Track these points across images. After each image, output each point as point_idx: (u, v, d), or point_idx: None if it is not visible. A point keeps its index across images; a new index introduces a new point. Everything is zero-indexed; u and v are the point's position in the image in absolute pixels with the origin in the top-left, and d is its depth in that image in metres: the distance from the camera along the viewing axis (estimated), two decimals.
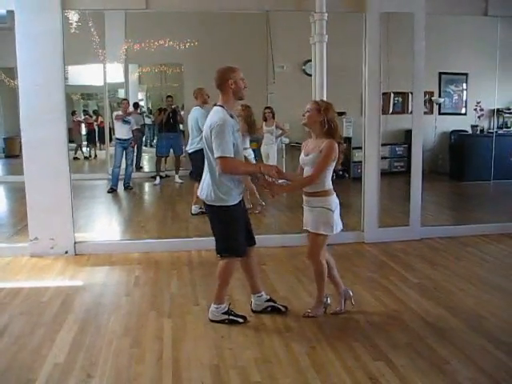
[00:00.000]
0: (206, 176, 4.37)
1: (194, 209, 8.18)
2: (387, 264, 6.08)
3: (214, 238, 4.49)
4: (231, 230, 4.39)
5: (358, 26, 6.79)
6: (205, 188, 4.35)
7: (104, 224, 8.53)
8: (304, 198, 4.55)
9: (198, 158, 7.20)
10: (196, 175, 6.87)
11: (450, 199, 10.58)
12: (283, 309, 4.68)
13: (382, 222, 6.98)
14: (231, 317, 4.45)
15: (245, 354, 3.92)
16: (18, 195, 8.69)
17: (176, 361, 3.82)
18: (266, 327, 4.38)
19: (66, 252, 6.45)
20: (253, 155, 8.22)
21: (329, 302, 4.70)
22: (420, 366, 3.70)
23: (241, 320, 4.46)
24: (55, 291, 5.25)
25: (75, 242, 6.50)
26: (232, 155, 4.14)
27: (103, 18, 11.89)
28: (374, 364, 3.73)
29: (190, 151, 8.09)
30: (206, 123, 4.30)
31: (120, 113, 10.86)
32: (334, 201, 4.50)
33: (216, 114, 4.25)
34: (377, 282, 5.47)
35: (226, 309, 4.48)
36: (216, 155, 4.12)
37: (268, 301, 4.71)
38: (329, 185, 4.49)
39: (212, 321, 4.45)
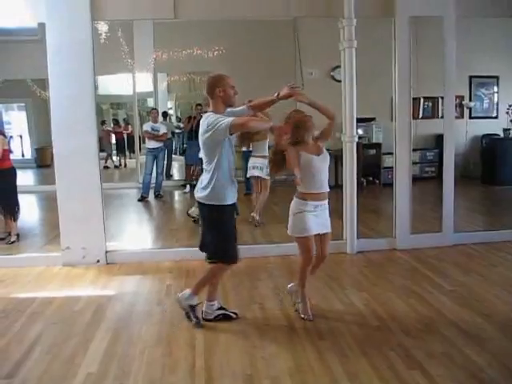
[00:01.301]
0: (202, 177, 4.46)
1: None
2: (420, 271, 5.99)
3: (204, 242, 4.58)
4: (225, 232, 4.47)
5: (387, 31, 6.74)
6: (201, 188, 4.45)
7: (135, 233, 8.56)
8: (313, 202, 4.55)
9: None
10: None
11: (482, 204, 10.42)
12: (234, 315, 4.72)
13: (414, 229, 6.90)
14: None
15: (278, 363, 3.89)
16: (49, 205, 8.77)
17: (208, 370, 3.80)
18: (299, 335, 4.34)
19: (98, 261, 6.49)
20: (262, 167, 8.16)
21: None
22: (456, 376, 3.63)
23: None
24: (87, 300, 5.28)
25: (106, 251, 6.54)
26: None
27: (132, 28, 11.98)
28: (409, 373, 3.66)
29: None
30: (202, 128, 4.32)
31: (148, 129, 10.94)
32: None
33: (209, 117, 4.31)
34: (410, 289, 5.39)
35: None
36: (226, 126, 4.15)
37: (219, 309, 4.74)
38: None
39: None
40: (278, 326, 4.52)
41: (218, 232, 4.47)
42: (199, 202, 4.53)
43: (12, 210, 7.38)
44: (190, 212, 8.29)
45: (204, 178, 4.41)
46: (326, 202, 4.65)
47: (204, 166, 4.45)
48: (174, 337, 4.39)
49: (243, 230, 7.83)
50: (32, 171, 14.58)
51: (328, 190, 4.62)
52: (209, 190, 4.36)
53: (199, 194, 4.46)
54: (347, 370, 3.74)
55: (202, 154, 4.47)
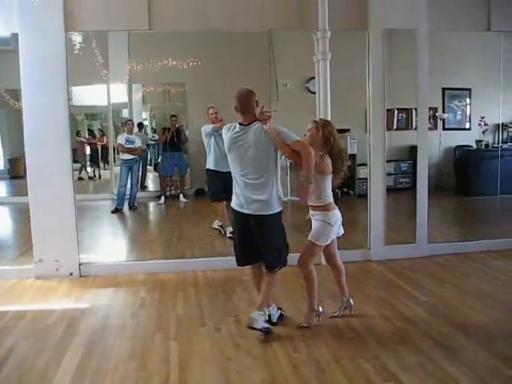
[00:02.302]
0: (254, 190, 4.40)
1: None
2: (395, 282, 6.02)
3: (264, 251, 4.55)
4: (285, 238, 4.65)
5: (361, 43, 6.80)
6: (263, 201, 4.40)
7: (109, 245, 8.48)
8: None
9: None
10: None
11: (456, 215, 10.51)
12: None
13: (388, 240, 6.93)
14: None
15: (252, 376, 3.88)
16: (22, 216, 8.65)
17: None
18: (273, 349, 4.32)
19: (71, 274, 6.42)
20: None
21: (321, 310, 4.82)
22: None
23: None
24: (60, 314, 5.22)
25: (80, 264, 6.47)
26: None
27: (106, 39, 11.92)
28: None
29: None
30: (263, 137, 4.34)
31: (122, 141, 10.88)
32: (333, 216, 4.71)
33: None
34: (385, 300, 5.41)
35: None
36: (293, 140, 4.32)
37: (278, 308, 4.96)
38: (328, 199, 4.69)
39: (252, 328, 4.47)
40: (253, 338, 4.48)
41: (283, 238, 4.63)
42: (260, 216, 4.45)
43: None
44: (213, 225, 8.26)
45: (261, 190, 4.39)
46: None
47: (253, 178, 4.40)
48: (147, 351, 4.34)
49: (218, 241, 7.84)
50: (4, 182, 14.38)
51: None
52: (274, 198, 4.43)
53: (264, 206, 4.41)
54: (322, 383, 3.73)
55: (249, 168, 4.41)
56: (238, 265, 4.79)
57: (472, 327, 4.69)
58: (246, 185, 4.41)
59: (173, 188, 11.79)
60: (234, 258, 4.79)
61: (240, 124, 4.44)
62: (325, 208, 4.66)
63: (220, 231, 8.29)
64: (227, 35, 9.34)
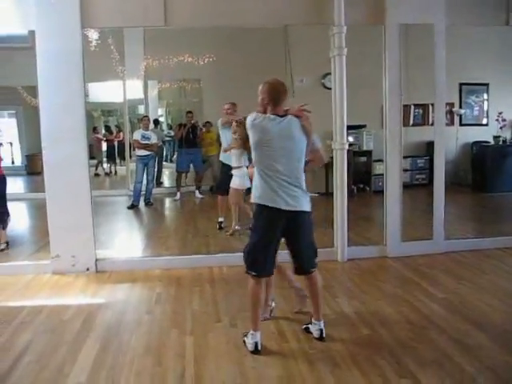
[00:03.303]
0: (297, 186, 4.19)
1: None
2: (411, 279, 5.98)
3: (302, 252, 4.38)
4: None
5: (377, 38, 6.76)
6: (303, 196, 4.22)
7: (125, 241, 8.53)
8: None
9: None
10: None
11: (473, 211, 10.45)
12: None
13: (404, 236, 6.89)
14: None
15: (268, 372, 3.87)
16: (39, 212, 8.74)
17: (198, 380, 3.78)
18: (290, 345, 4.31)
19: (88, 269, 6.45)
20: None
21: (273, 305, 4.85)
22: None
23: None
24: (77, 309, 5.25)
25: (96, 259, 6.50)
26: None
27: (122, 35, 11.99)
28: (400, 382, 3.65)
29: None
30: (298, 132, 4.18)
31: (138, 137, 10.90)
32: None
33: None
34: (401, 297, 5.38)
35: None
36: (318, 146, 4.36)
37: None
38: None
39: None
40: (269, 334, 4.48)
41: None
42: (302, 212, 4.24)
43: (1, 218, 7.34)
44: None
45: (299, 184, 4.19)
46: None
47: (292, 172, 4.16)
48: (163, 346, 4.35)
49: (234, 238, 7.84)
50: (22, 178, 14.53)
51: None
52: (306, 196, 4.26)
53: (301, 204, 4.20)
54: (338, 379, 3.72)
55: (289, 162, 4.18)
56: (261, 275, 4.25)
57: (489, 324, 4.64)
58: (285, 180, 4.13)
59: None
60: (249, 266, 4.27)
61: (276, 115, 4.17)
62: None
63: (220, 226, 8.33)
64: (243, 31, 9.37)
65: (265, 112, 4.20)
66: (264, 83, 4.28)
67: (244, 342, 4.32)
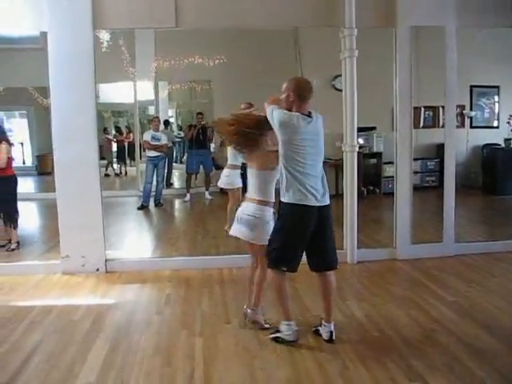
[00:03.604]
0: (321, 183, 4.27)
1: None
2: (421, 281, 5.97)
3: (327, 248, 4.43)
4: None
5: (388, 41, 6.75)
6: (327, 192, 4.29)
7: (135, 241, 8.55)
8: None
9: None
10: None
11: (483, 214, 10.40)
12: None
13: (414, 239, 6.88)
14: None
15: (277, 373, 3.87)
16: (49, 212, 8.76)
17: (207, 381, 3.78)
18: (299, 346, 4.31)
19: (97, 269, 6.47)
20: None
21: (249, 311, 4.78)
22: None
23: None
24: (87, 309, 5.27)
25: (106, 260, 6.52)
26: None
27: (133, 37, 12.03)
28: None
29: None
30: (322, 130, 4.29)
31: (148, 138, 10.92)
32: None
33: None
34: (411, 300, 5.37)
35: None
36: None
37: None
38: None
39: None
40: None
41: None
42: (328, 205, 4.32)
43: (12, 218, 7.38)
44: None
45: (324, 180, 4.29)
46: None
47: (319, 168, 4.26)
48: (173, 346, 4.36)
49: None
50: (33, 178, 14.58)
51: None
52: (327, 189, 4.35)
53: (328, 196, 4.30)
54: (347, 382, 3.72)
55: (316, 159, 4.26)
56: (290, 271, 4.33)
57: (499, 328, 4.62)
58: (314, 176, 4.20)
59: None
60: (277, 262, 4.31)
61: (304, 114, 4.19)
62: None
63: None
64: (253, 33, 9.36)
65: (289, 109, 4.21)
66: (290, 80, 4.32)
67: (276, 339, 4.36)
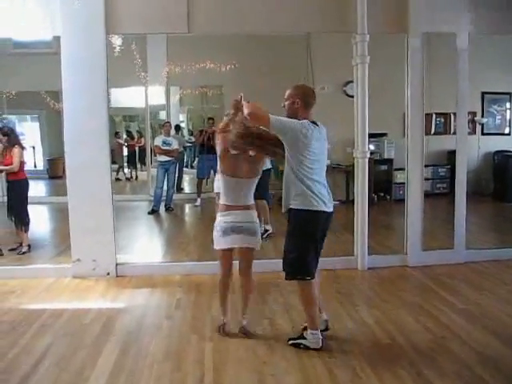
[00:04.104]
0: (325, 186, 4.31)
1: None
2: (432, 288, 5.94)
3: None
4: None
5: (400, 47, 6.74)
6: (330, 198, 4.34)
7: (145, 246, 8.56)
8: None
9: None
10: None
11: (494, 221, 10.34)
12: None
13: (425, 245, 6.85)
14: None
15: (287, 380, 3.87)
16: (60, 216, 8.80)
17: None
18: (309, 352, 4.29)
19: (108, 273, 6.49)
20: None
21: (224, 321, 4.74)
22: None
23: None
24: (97, 313, 5.28)
25: (117, 264, 6.54)
26: None
27: (145, 42, 12.08)
28: None
29: None
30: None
31: (159, 143, 10.95)
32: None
33: None
34: (421, 307, 5.34)
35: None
36: None
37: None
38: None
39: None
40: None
41: None
42: (332, 212, 4.39)
43: (23, 221, 7.42)
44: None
45: (328, 189, 4.36)
46: None
47: (324, 174, 4.36)
48: (183, 351, 4.36)
49: None
50: (44, 182, 14.64)
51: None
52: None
53: (331, 204, 4.35)
54: None
55: (322, 166, 4.36)
56: (313, 277, 4.35)
57: (510, 336, 4.59)
58: (323, 184, 4.28)
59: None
60: (302, 272, 4.33)
61: (311, 122, 4.24)
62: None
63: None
64: (265, 38, 9.39)
65: (292, 117, 4.22)
66: (296, 87, 4.37)
67: (298, 345, 4.36)
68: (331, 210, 4.31)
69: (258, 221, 4.58)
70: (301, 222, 4.26)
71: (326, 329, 4.59)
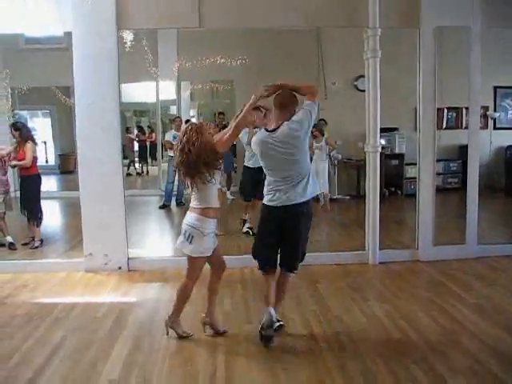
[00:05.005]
0: (303, 180, 4.36)
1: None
2: (443, 283, 5.93)
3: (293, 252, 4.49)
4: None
5: (411, 41, 6.71)
6: (304, 190, 4.35)
7: (157, 240, 8.60)
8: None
9: None
10: None
11: (506, 216, 10.28)
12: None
13: (436, 240, 6.84)
14: None
15: (298, 374, 3.87)
16: (72, 210, 8.84)
17: (229, 380, 3.80)
18: (320, 347, 4.31)
19: (120, 268, 6.52)
20: None
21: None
22: None
23: None
24: (109, 307, 5.31)
25: (128, 258, 6.57)
26: None
27: (156, 37, 12.09)
28: None
29: None
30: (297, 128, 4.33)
31: (170, 138, 10.95)
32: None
33: None
34: (433, 301, 5.34)
35: None
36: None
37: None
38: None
39: None
40: (300, 337, 4.50)
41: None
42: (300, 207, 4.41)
43: (35, 216, 7.46)
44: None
45: (304, 181, 4.40)
46: None
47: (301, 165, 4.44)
48: (195, 346, 4.39)
49: None
50: (55, 177, 14.71)
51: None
52: (309, 186, 4.42)
53: (306, 195, 4.40)
54: (369, 382, 3.70)
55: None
56: (263, 267, 4.65)
57: None
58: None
59: None
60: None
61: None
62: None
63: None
64: (276, 33, 9.37)
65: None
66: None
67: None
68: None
69: None
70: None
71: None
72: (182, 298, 4.54)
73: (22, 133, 7.39)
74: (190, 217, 4.45)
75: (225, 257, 6.28)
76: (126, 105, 14.48)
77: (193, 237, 4.42)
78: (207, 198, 4.41)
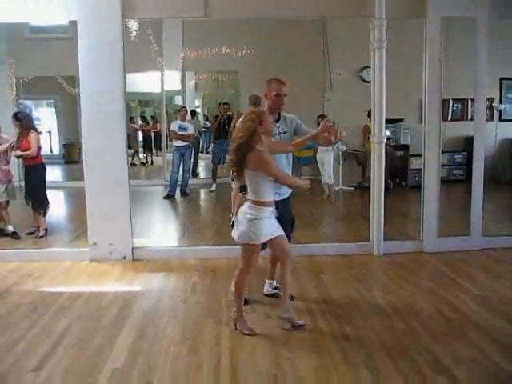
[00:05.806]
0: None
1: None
2: (447, 275, 5.93)
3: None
4: None
5: (417, 31, 6.68)
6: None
7: (161, 230, 8.62)
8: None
9: None
10: None
11: (511, 209, 10.27)
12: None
13: (441, 231, 6.83)
14: None
15: (303, 363, 3.87)
16: (77, 200, 8.87)
17: (233, 369, 3.80)
18: (324, 336, 4.32)
19: (124, 257, 6.54)
20: None
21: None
22: (485, 383, 3.61)
23: None
24: (114, 296, 5.33)
25: (133, 248, 6.58)
26: None
27: (161, 26, 12.08)
28: (437, 378, 3.63)
29: None
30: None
31: (175, 128, 10.95)
32: None
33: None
34: (437, 292, 5.34)
35: None
36: None
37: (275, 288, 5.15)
38: None
39: None
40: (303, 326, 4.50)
41: None
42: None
43: (41, 205, 7.48)
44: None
45: None
46: None
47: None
48: (199, 335, 4.39)
49: None
50: (60, 167, 14.74)
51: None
52: None
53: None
54: (373, 372, 3.71)
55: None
56: None
57: None
58: None
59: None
60: None
61: None
62: None
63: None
64: (281, 23, 9.36)
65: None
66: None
67: None
68: None
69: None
70: None
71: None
72: (237, 293, 4.47)
73: (22, 123, 7.39)
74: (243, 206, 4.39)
75: (230, 247, 6.27)
76: (130, 94, 14.47)
77: (240, 222, 4.37)
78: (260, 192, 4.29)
